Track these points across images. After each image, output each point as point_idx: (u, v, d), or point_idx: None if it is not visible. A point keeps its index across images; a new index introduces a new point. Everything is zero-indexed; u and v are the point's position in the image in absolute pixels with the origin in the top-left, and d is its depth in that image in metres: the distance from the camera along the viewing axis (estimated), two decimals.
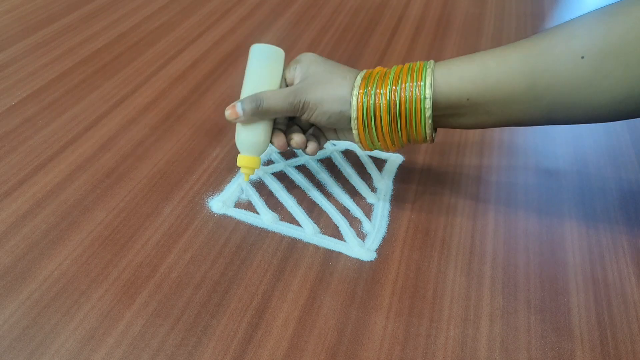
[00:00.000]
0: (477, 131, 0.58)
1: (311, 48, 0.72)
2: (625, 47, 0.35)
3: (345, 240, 0.44)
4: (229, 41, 0.73)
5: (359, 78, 0.42)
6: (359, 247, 0.44)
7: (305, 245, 0.44)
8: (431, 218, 0.47)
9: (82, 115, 0.57)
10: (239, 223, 0.45)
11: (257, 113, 0.43)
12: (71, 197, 0.47)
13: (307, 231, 0.45)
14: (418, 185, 0.50)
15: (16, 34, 0.71)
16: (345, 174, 0.51)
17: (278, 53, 0.46)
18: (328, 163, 0.52)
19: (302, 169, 0.52)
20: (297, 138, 0.45)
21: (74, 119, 0.56)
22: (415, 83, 0.40)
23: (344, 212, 0.47)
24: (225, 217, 0.46)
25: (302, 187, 0.49)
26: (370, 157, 0.54)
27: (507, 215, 0.48)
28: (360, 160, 0.53)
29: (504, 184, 0.51)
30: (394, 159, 0.53)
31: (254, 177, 0.50)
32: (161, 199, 0.47)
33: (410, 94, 0.40)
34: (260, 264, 0.42)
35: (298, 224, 0.46)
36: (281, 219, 0.46)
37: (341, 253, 0.43)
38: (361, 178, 0.51)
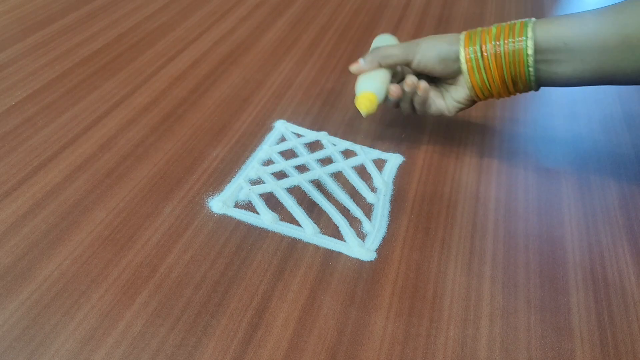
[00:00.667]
0: (477, 131, 0.58)
1: (311, 48, 0.72)
2: None
3: (345, 240, 0.44)
4: (229, 41, 0.73)
5: (463, 33, 0.49)
6: (359, 247, 0.44)
7: (305, 245, 0.44)
8: (431, 218, 0.47)
9: (82, 115, 0.57)
10: (239, 223, 0.45)
11: (376, 57, 0.51)
12: (71, 197, 0.47)
13: (307, 231, 0.45)
14: (418, 185, 0.50)
15: (16, 34, 0.71)
16: (345, 174, 0.51)
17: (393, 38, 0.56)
18: (328, 163, 0.52)
19: (302, 169, 0.52)
20: (409, 79, 0.50)
21: (74, 119, 0.56)
22: (517, 31, 0.45)
23: (344, 212, 0.47)
24: (225, 217, 0.46)
25: (302, 187, 0.49)
26: (371, 157, 0.54)
27: (507, 215, 0.48)
28: (360, 160, 0.53)
29: (504, 184, 0.51)
30: (394, 159, 0.53)
31: (253, 176, 0.50)
32: (161, 199, 0.47)
33: (513, 39, 0.45)
34: (260, 264, 0.42)
35: (298, 224, 0.46)
36: (281, 219, 0.46)
37: (341, 253, 0.43)
38: (361, 178, 0.51)
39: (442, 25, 0.80)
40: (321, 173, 0.51)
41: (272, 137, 0.55)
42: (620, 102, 0.64)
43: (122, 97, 0.60)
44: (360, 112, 0.50)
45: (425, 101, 0.51)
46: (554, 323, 0.39)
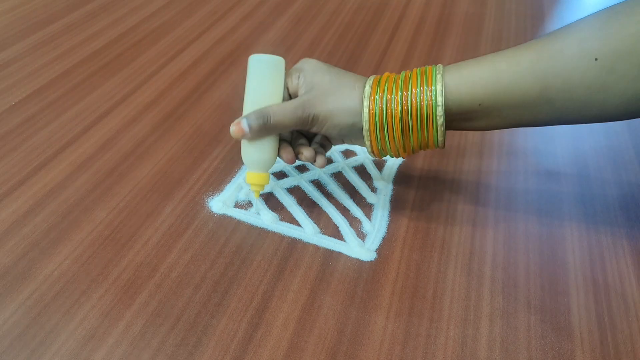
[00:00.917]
0: (477, 132, 0.58)
1: (311, 48, 0.72)
2: (639, 47, 0.35)
3: (345, 240, 0.44)
4: (229, 41, 0.73)
5: (367, 87, 0.41)
6: (359, 247, 0.44)
7: (305, 245, 0.44)
8: (431, 218, 0.47)
9: (82, 115, 0.57)
10: (239, 223, 0.45)
11: (265, 129, 0.42)
12: (71, 196, 0.47)
13: (307, 231, 0.45)
14: (418, 185, 0.50)
15: (17, 34, 0.71)
16: (345, 174, 0.51)
17: (278, 62, 0.43)
18: (328, 163, 0.52)
19: (302, 169, 0.52)
20: (306, 153, 0.44)
21: (75, 118, 0.56)
22: (425, 88, 0.39)
23: (344, 212, 0.47)
24: (225, 217, 0.46)
25: (302, 187, 0.49)
26: (370, 157, 0.53)
27: (507, 215, 0.48)
28: (360, 160, 0.53)
29: (504, 184, 0.51)
30: (394, 159, 0.53)
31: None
32: (161, 198, 0.47)
33: (421, 100, 0.39)
34: (260, 264, 0.42)
35: (298, 224, 0.46)
36: (281, 219, 0.46)
37: (341, 253, 0.43)
38: (361, 178, 0.51)
39: (442, 26, 0.80)
40: (321, 173, 0.51)
41: None
42: None
43: (123, 97, 0.60)
44: (253, 194, 0.46)
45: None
46: (554, 323, 0.39)
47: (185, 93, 0.62)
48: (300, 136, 0.46)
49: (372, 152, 0.42)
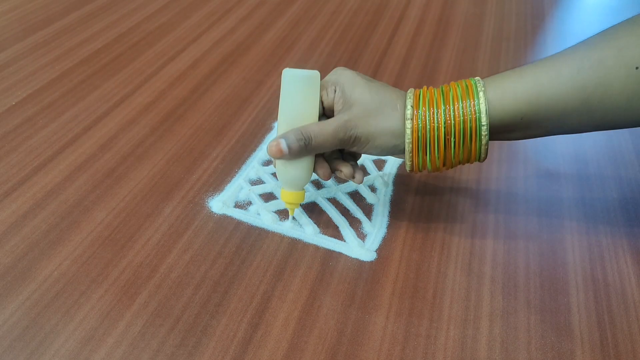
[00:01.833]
0: None
1: (311, 48, 0.72)
2: None
3: (345, 241, 0.44)
4: (229, 41, 0.73)
5: (409, 106, 0.39)
6: (359, 247, 0.43)
7: (305, 245, 0.44)
8: (431, 218, 0.47)
9: (82, 115, 0.57)
10: (239, 223, 0.45)
11: (305, 151, 0.40)
12: (71, 197, 0.47)
13: (307, 231, 0.45)
14: (418, 185, 0.50)
15: (16, 34, 0.71)
16: None
17: (314, 77, 0.41)
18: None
19: None
20: (345, 170, 0.43)
21: (74, 119, 0.56)
22: (468, 103, 0.39)
23: (344, 212, 0.47)
24: (225, 217, 0.46)
25: None
26: (371, 157, 0.53)
27: (507, 215, 0.48)
28: (360, 160, 0.53)
29: (504, 184, 0.51)
30: (394, 159, 0.53)
31: (253, 176, 0.50)
32: (161, 199, 0.47)
33: (464, 115, 0.38)
34: (260, 264, 0.42)
35: (298, 224, 0.45)
36: (281, 219, 0.46)
37: (341, 253, 0.43)
38: None
39: (442, 26, 0.80)
40: None
41: (272, 137, 0.55)
42: None
43: (123, 97, 0.60)
44: (289, 212, 0.45)
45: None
46: (554, 323, 0.39)
47: (185, 94, 0.62)
48: (336, 152, 0.45)
49: (411, 169, 0.41)
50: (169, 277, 0.40)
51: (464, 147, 0.39)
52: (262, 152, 0.53)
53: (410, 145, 0.39)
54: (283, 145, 0.40)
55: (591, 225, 0.47)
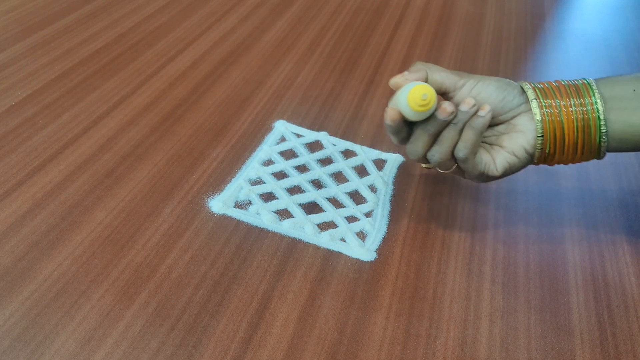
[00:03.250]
0: None
1: (311, 48, 0.72)
2: None
3: (345, 241, 0.44)
4: (229, 41, 0.73)
5: (529, 91, 0.40)
6: (359, 247, 0.43)
7: (305, 245, 0.44)
8: (431, 218, 0.47)
9: (82, 116, 0.57)
10: (239, 223, 0.45)
11: (426, 66, 0.40)
12: (71, 197, 0.47)
13: (307, 231, 0.45)
14: (418, 185, 0.50)
15: (16, 35, 0.71)
16: (345, 174, 0.51)
17: None
18: (328, 163, 0.52)
19: (302, 169, 0.51)
20: (467, 98, 0.39)
21: (74, 119, 0.56)
22: (592, 124, 0.39)
23: (344, 212, 0.47)
24: (225, 217, 0.46)
25: (302, 187, 0.49)
26: (370, 157, 0.53)
27: (507, 215, 0.48)
28: (360, 160, 0.53)
29: (504, 184, 0.51)
30: (394, 159, 0.53)
31: (253, 176, 0.50)
32: (161, 199, 0.47)
33: (584, 115, 0.39)
34: (260, 264, 0.42)
35: (298, 224, 0.45)
36: (281, 219, 0.46)
37: (341, 253, 0.43)
38: (361, 178, 0.51)
39: (442, 25, 0.80)
40: (321, 173, 0.51)
41: (272, 137, 0.55)
42: None
43: (122, 97, 0.60)
44: (412, 112, 0.38)
45: (482, 131, 0.39)
46: (554, 323, 0.39)
47: (185, 94, 0.62)
48: None
49: (542, 128, 0.40)
50: (169, 277, 0.40)
51: (585, 134, 0.40)
52: (262, 152, 0.53)
53: (534, 92, 0.40)
54: (406, 73, 0.40)
55: (591, 225, 0.47)
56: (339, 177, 0.51)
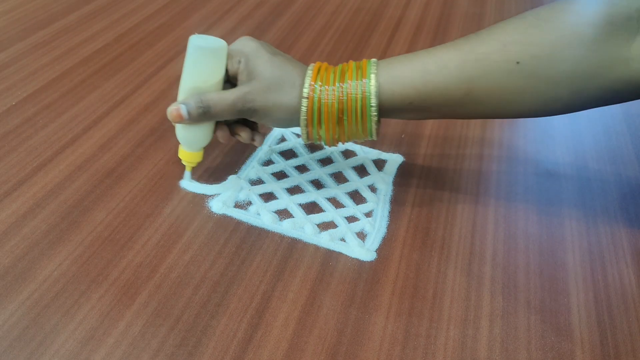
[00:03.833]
0: (477, 130, 0.58)
1: (311, 48, 0.72)
2: (557, 54, 0.38)
3: (345, 240, 0.44)
4: (229, 41, 0.73)
5: (306, 84, 0.42)
6: (359, 247, 0.43)
7: (305, 245, 0.44)
8: (431, 218, 0.47)
9: (82, 116, 0.57)
10: (239, 223, 0.45)
11: (204, 118, 0.43)
12: (71, 197, 0.47)
13: (307, 231, 0.45)
14: (418, 185, 0.50)
15: (16, 34, 0.71)
16: (345, 174, 0.51)
17: (221, 48, 0.43)
18: (328, 163, 0.52)
19: (302, 169, 0.51)
20: (244, 135, 0.46)
21: (74, 119, 0.56)
22: (360, 82, 0.41)
23: (344, 212, 0.47)
24: (225, 217, 0.46)
25: (302, 187, 0.49)
26: (370, 157, 0.53)
27: (507, 215, 0.48)
28: (360, 160, 0.53)
29: (504, 184, 0.51)
30: (394, 159, 0.53)
31: (253, 176, 0.50)
32: (161, 199, 0.47)
33: (356, 94, 0.41)
34: (260, 264, 0.42)
35: (298, 224, 0.45)
36: (281, 219, 0.46)
37: (341, 253, 0.43)
38: (361, 178, 0.51)
39: (442, 26, 0.80)
40: (321, 173, 0.51)
41: (272, 137, 0.55)
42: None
43: (122, 97, 0.60)
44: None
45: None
46: (554, 323, 0.39)
47: None
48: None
49: (307, 139, 0.44)
50: (169, 277, 0.40)
51: (355, 124, 0.42)
52: (262, 152, 0.53)
53: (305, 121, 0.42)
54: (183, 111, 0.43)
55: (591, 225, 0.47)
56: (339, 177, 0.51)
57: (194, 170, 0.49)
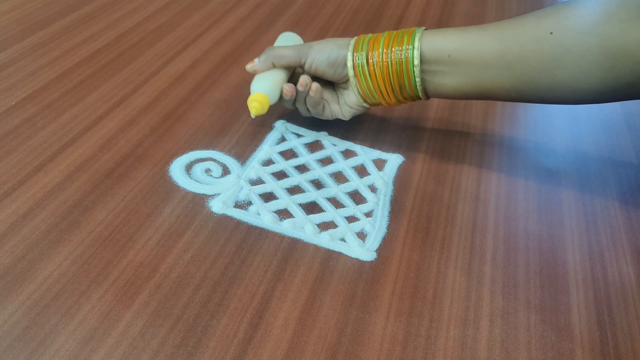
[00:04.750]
0: (478, 130, 0.58)
1: None
2: (587, 27, 0.40)
3: (345, 240, 0.44)
4: (229, 41, 0.73)
5: (352, 41, 0.50)
6: (359, 247, 0.43)
7: (305, 245, 0.44)
8: (431, 218, 0.47)
9: (81, 116, 0.57)
10: (239, 223, 0.45)
11: (270, 57, 0.51)
12: (71, 197, 0.47)
13: (307, 231, 0.45)
14: (418, 185, 0.50)
15: (16, 35, 0.71)
16: (345, 174, 0.51)
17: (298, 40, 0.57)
18: (328, 163, 0.52)
19: (302, 169, 0.52)
20: (302, 79, 0.51)
21: (74, 119, 0.56)
22: (405, 39, 0.47)
23: (344, 212, 0.47)
24: (225, 217, 0.46)
25: (302, 187, 0.49)
26: (371, 157, 0.54)
27: (507, 214, 0.48)
28: (360, 160, 0.53)
29: (504, 184, 0.51)
30: (394, 159, 0.53)
31: (254, 176, 0.50)
32: (161, 199, 0.47)
33: (400, 48, 0.47)
34: (260, 264, 0.42)
35: (298, 224, 0.45)
36: (281, 219, 0.46)
37: (341, 253, 0.43)
38: (361, 178, 0.51)
39: (442, 26, 0.80)
40: (321, 173, 0.51)
41: (272, 137, 0.55)
42: (621, 102, 0.64)
43: (122, 98, 0.60)
44: (250, 112, 0.51)
45: (317, 103, 0.52)
46: (554, 323, 0.39)
47: (185, 94, 0.62)
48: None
49: (359, 91, 0.50)
50: (169, 277, 0.40)
51: (400, 76, 0.47)
52: (262, 152, 0.53)
53: (353, 46, 0.49)
54: (256, 60, 0.52)
55: (591, 224, 0.47)
56: (339, 177, 0.51)
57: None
